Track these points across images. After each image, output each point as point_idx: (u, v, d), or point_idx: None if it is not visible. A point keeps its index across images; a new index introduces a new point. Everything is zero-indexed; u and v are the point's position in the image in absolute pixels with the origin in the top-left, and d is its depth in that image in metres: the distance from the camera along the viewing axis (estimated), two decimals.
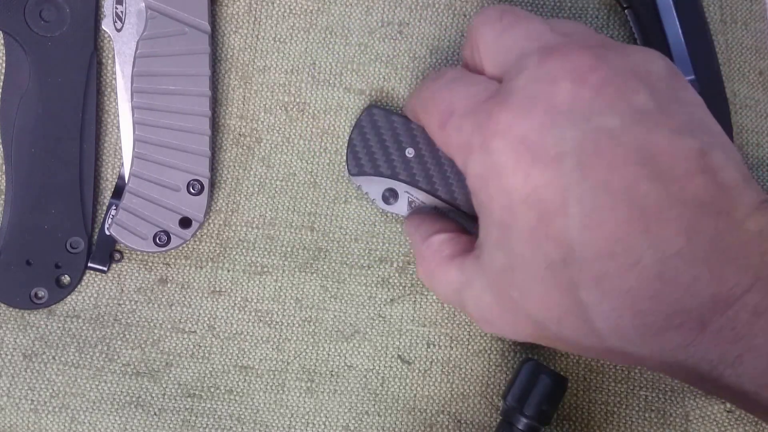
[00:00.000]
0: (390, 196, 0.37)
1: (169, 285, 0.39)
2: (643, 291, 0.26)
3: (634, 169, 0.26)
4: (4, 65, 0.39)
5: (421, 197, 0.37)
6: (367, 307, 0.39)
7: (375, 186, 0.38)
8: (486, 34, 0.31)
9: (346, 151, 0.38)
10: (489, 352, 0.39)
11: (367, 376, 0.38)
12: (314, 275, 0.39)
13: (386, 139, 0.37)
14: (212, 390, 0.38)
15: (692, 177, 0.26)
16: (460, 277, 0.32)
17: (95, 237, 0.39)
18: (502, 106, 0.28)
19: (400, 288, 0.39)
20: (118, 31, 0.39)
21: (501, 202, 0.28)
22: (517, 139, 0.27)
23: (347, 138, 0.40)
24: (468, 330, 0.39)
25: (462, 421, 0.38)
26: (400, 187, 0.37)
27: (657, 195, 0.26)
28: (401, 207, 0.38)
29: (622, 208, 0.26)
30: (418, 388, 0.38)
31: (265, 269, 0.39)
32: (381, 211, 0.39)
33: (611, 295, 0.26)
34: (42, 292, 0.38)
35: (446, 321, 0.39)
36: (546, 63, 0.28)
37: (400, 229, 0.39)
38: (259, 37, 0.40)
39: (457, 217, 0.36)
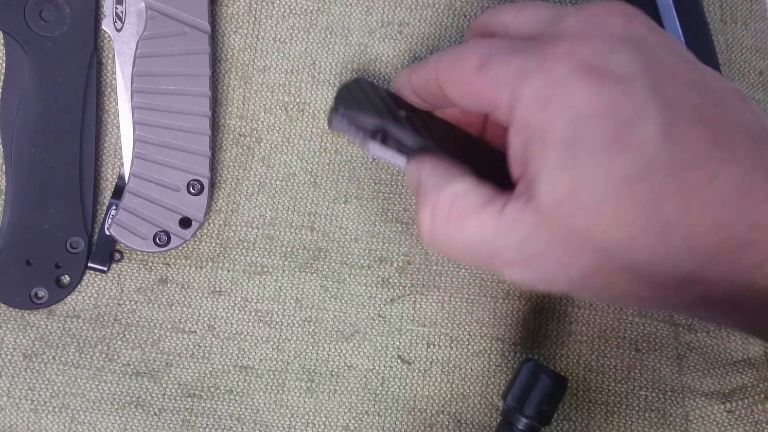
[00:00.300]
0: (385, 138, 0.33)
1: (169, 285, 0.39)
2: (722, 204, 0.26)
3: (698, 96, 0.27)
4: (4, 65, 0.39)
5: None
6: (367, 307, 0.39)
7: (363, 129, 0.34)
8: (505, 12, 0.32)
9: (329, 111, 0.35)
10: (489, 352, 0.39)
11: (367, 376, 0.38)
12: (314, 275, 0.39)
13: (376, 102, 0.34)
14: (212, 390, 0.38)
15: (743, 112, 0.27)
16: (497, 224, 0.29)
17: (95, 237, 0.39)
18: (557, 38, 0.28)
19: (400, 288, 0.39)
20: (118, 31, 0.39)
21: (567, 118, 0.27)
22: (580, 62, 0.27)
23: (347, 138, 0.40)
24: (468, 330, 0.39)
25: (462, 421, 0.38)
26: (394, 131, 0.33)
27: (722, 119, 0.27)
28: (397, 151, 0.33)
29: (697, 123, 0.26)
30: (418, 388, 0.38)
31: (265, 269, 0.39)
32: (373, 158, 0.38)
33: (692, 208, 0.26)
34: (42, 292, 0.38)
35: (446, 321, 0.39)
36: (589, 8, 0.29)
37: (400, 229, 0.39)
38: (259, 37, 0.40)
39: None
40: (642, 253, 0.27)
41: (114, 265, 0.39)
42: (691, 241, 0.26)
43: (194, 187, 0.38)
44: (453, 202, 0.30)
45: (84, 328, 0.38)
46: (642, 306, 0.32)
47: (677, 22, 0.38)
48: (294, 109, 0.40)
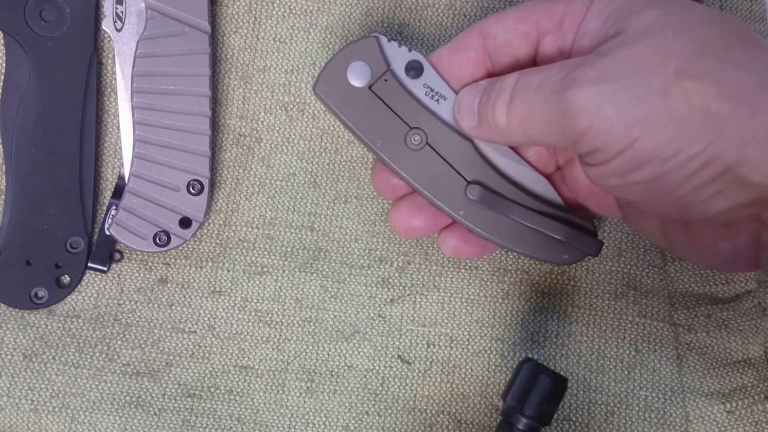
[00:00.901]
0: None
1: (169, 285, 0.39)
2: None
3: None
4: (4, 65, 0.39)
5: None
6: (367, 307, 0.39)
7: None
8: None
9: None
10: (489, 352, 0.39)
11: (367, 376, 0.38)
12: (314, 275, 0.39)
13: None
14: (212, 390, 0.38)
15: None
16: (574, 59, 0.29)
17: (95, 237, 0.39)
18: None
19: (400, 288, 0.39)
20: (118, 31, 0.39)
21: None
22: None
23: (347, 137, 0.40)
24: (468, 330, 0.39)
25: (462, 421, 0.38)
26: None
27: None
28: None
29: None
30: (418, 388, 0.38)
31: (265, 269, 0.39)
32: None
33: None
34: (42, 292, 0.38)
35: (446, 321, 0.39)
36: None
37: None
38: (259, 37, 0.40)
39: None
40: (729, 59, 0.26)
41: (114, 265, 0.39)
42: None
43: (194, 187, 0.38)
44: (548, 67, 0.29)
45: (84, 328, 0.38)
46: (708, 149, 0.27)
47: None
48: (294, 109, 0.40)
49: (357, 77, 0.33)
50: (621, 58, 0.27)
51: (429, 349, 0.39)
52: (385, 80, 0.33)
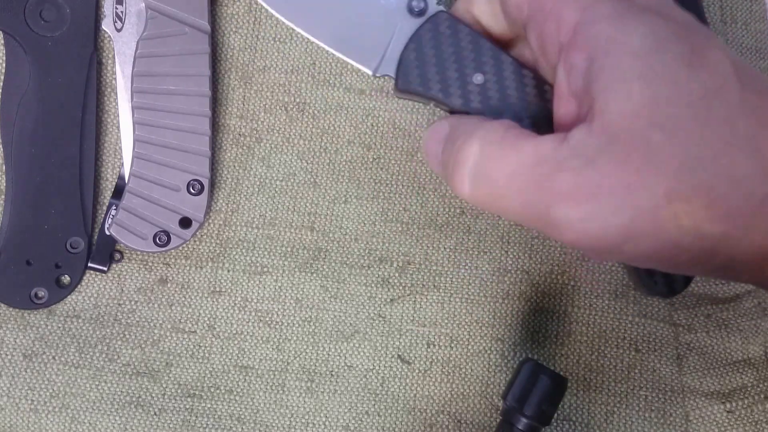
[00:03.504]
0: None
1: (169, 285, 0.39)
2: None
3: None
4: (4, 65, 0.39)
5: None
6: (367, 307, 0.39)
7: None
8: None
9: (396, 63, 0.32)
10: (489, 352, 0.39)
11: (367, 376, 0.38)
12: (314, 275, 0.39)
13: (453, 59, 0.31)
14: (212, 390, 0.38)
15: None
16: (558, 147, 0.26)
17: (95, 237, 0.39)
18: None
19: (400, 288, 0.39)
20: (118, 31, 0.39)
21: (647, 28, 0.26)
22: None
23: (347, 138, 0.40)
24: (468, 330, 0.39)
25: (462, 421, 0.38)
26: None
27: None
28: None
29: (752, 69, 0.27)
30: (418, 388, 0.38)
31: (265, 269, 0.39)
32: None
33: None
34: (42, 292, 0.38)
35: (446, 321, 0.39)
36: None
37: (400, 229, 0.39)
38: (259, 37, 0.40)
39: None
40: (721, 175, 0.25)
41: (114, 265, 0.39)
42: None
43: (194, 187, 0.38)
44: (508, 129, 0.28)
45: (84, 328, 0.38)
46: (698, 255, 0.28)
47: None
48: (294, 109, 0.40)
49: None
50: (609, 174, 0.25)
51: (429, 349, 0.39)
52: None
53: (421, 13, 0.32)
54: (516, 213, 0.28)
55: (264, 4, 0.33)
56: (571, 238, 0.26)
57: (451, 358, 0.39)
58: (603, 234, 0.26)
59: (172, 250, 0.39)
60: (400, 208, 0.40)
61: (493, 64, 0.31)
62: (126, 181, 0.38)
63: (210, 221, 0.39)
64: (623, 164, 0.25)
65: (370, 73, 0.32)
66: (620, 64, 0.26)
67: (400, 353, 0.39)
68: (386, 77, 0.32)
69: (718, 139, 0.25)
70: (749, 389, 0.38)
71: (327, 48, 0.33)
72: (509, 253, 0.39)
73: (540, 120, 0.31)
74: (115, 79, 0.39)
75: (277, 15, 0.33)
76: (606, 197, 0.25)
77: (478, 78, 0.31)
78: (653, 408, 0.38)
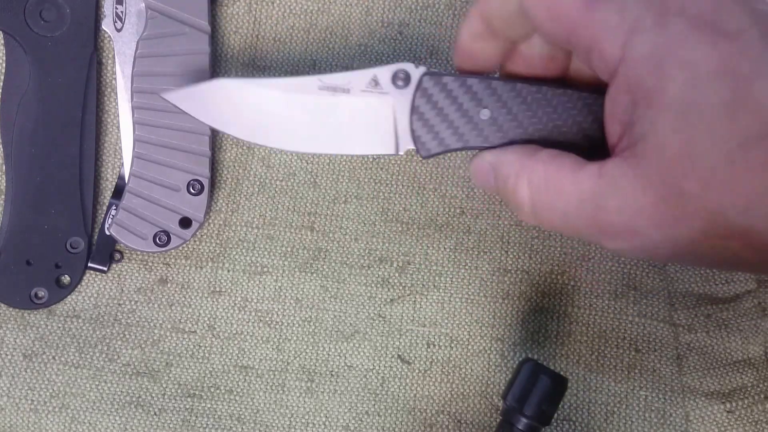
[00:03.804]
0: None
1: (169, 285, 0.39)
2: None
3: None
4: (4, 65, 0.39)
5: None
6: (367, 307, 0.39)
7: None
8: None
9: (410, 136, 0.33)
10: (489, 352, 0.39)
11: (367, 376, 0.38)
12: (314, 275, 0.39)
13: (454, 109, 0.32)
14: (212, 390, 0.38)
15: None
16: (597, 183, 0.28)
17: (95, 237, 0.39)
18: None
19: (400, 288, 0.39)
20: (118, 31, 0.39)
21: (683, 77, 0.26)
22: (694, 17, 0.26)
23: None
24: (468, 330, 0.39)
25: (462, 421, 0.38)
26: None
27: None
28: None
29: None
30: (418, 388, 0.38)
31: (265, 269, 0.39)
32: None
33: None
34: (42, 292, 0.38)
35: (446, 321, 0.39)
36: None
37: (400, 229, 0.39)
38: (259, 37, 0.40)
39: None
40: (759, 219, 0.25)
41: (114, 265, 0.39)
42: None
43: (194, 187, 0.38)
44: (546, 167, 0.29)
45: (84, 328, 0.38)
46: (744, 269, 0.30)
47: None
48: None
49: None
50: (648, 216, 0.27)
51: (429, 349, 0.39)
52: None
53: (406, 80, 0.32)
54: (578, 237, 0.30)
55: (283, 148, 0.33)
56: (628, 256, 0.29)
57: (451, 358, 0.39)
58: (652, 257, 0.28)
59: (172, 250, 0.39)
60: (400, 208, 0.40)
61: (491, 95, 0.32)
62: (126, 181, 0.38)
63: (210, 221, 0.39)
64: (661, 207, 0.26)
65: (394, 153, 0.33)
66: (658, 118, 0.26)
67: (400, 353, 0.39)
68: (411, 150, 0.32)
69: (757, 186, 0.25)
70: (749, 389, 0.38)
71: (347, 154, 0.34)
72: (509, 253, 0.39)
73: (550, 130, 0.32)
74: (115, 79, 0.39)
75: (305, 152, 0.34)
76: (648, 233, 0.27)
77: (484, 114, 0.32)
78: (653, 408, 0.38)
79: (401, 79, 0.32)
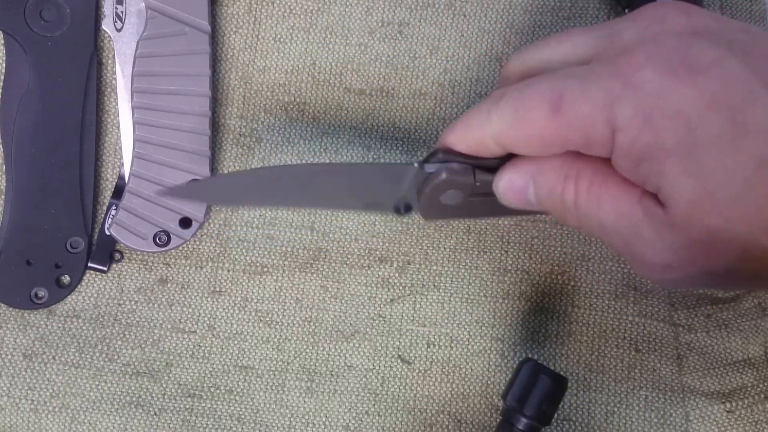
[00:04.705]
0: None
1: (169, 285, 0.39)
2: None
3: None
4: (4, 65, 0.39)
5: None
6: (367, 307, 0.39)
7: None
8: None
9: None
10: (489, 352, 0.39)
11: (367, 376, 0.38)
12: (314, 275, 0.39)
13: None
14: (212, 390, 0.38)
15: None
16: (636, 209, 0.28)
17: (95, 237, 0.39)
18: (624, 53, 0.27)
19: (400, 288, 0.39)
20: (118, 31, 0.39)
21: (677, 123, 0.25)
22: (664, 63, 0.26)
23: (347, 138, 0.40)
24: (468, 330, 0.39)
25: (462, 421, 0.38)
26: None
27: None
28: None
29: None
30: (418, 388, 0.38)
31: (265, 269, 0.39)
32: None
33: None
34: (42, 292, 0.38)
35: (446, 321, 0.39)
36: (642, 15, 0.28)
37: (400, 229, 0.39)
38: (259, 37, 0.40)
39: None
40: None
41: (114, 265, 0.39)
42: None
43: None
44: (595, 168, 0.28)
45: (84, 328, 0.38)
46: None
47: None
48: (294, 109, 0.40)
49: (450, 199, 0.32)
50: (680, 253, 0.27)
51: (429, 349, 0.39)
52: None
53: (407, 209, 0.32)
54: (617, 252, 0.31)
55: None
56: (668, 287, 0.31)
57: (451, 358, 0.39)
58: (692, 287, 0.29)
59: (172, 250, 0.39)
60: None
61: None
62: (126, 181, 0.38)
63: (210, 221, 0.39)
64: (693, 249, 0.27)
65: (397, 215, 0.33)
66: (665, 169, 0.26)
67: (400, 353, 0.39)
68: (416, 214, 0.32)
69: None
70: (749, 389, 0.38)
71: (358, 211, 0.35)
72: (509, 253, 0.39)
73: None
74: (115, 79, 0.39)
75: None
76: (683, 271, 0.27)
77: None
78: (653, 408, 0.38)
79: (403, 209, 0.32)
